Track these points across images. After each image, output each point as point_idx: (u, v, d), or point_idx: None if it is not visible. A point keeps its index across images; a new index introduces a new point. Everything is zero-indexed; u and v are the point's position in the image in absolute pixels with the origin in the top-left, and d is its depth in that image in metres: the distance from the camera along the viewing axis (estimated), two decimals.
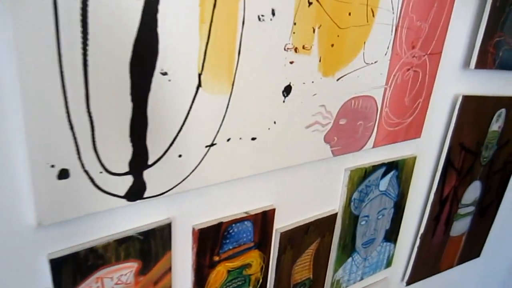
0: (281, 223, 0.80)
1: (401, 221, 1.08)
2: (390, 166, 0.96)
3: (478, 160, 1.17)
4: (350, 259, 0.98)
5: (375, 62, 0.77)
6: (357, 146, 0.85)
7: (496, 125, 1.16)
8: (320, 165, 0.82)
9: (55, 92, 0.42)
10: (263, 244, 0.77)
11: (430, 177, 1.11)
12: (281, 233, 0.79)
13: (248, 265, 0.76)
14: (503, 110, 1.15)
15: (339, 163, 0.86)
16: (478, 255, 1.43)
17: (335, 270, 0.96)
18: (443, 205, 1.15)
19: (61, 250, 0.51)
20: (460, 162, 1.12)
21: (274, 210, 0.76)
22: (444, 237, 1.22)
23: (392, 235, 1.07)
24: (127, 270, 0.58)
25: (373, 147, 0.88)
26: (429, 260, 1.23)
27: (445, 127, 1.06)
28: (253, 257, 0.76)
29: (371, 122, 0.85)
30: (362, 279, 1.06)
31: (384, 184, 0.97)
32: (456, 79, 1.03)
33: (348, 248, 0.96)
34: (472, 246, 1.38)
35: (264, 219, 0.75)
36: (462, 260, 1.37)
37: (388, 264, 1.12)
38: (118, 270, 0.57)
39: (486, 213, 1.32)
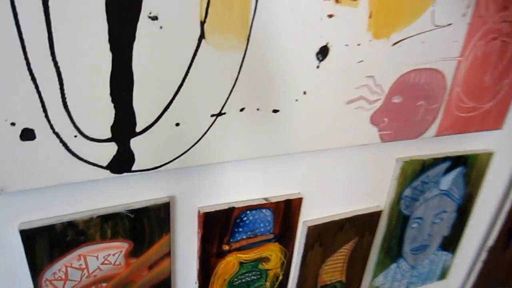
0: (310, 216, 0.68)
1: (464, 229, 0.89)
2: (457, 161, 0.78)
3: None
4: (394, 265, 0.84)
5: (448, 24, 0.60)
6: (415, 133, 0.69)
7: None
8: (364, 152, 0.67)
9: (8, 32, 0.34)
10: (285, 237, 0.66)
11: (508, 179, 0.90)
12: (309, 227, 0.67)
13: (266, 259, 0.66)
14: None
15: (389, 151, 0.71)
16: None
17: (375, 276, 0.82)
18: None
19: (34, 221, 0.44)
20: None
21: (300, 199, 0.64)
22: None
23: (450, 243, 0.89)
24: (115, 250, 0.51)
25: (436, 135, 0.71)
26: (496, 278, 1.03)
27: None
28: (272, 251, 0.66)
29: (435, 104, 0.68)
30: None
31: (446, 182, 0.79)
32: None
33: (393, 252, 0.81)
34: None
35: (288, 209, 0.63)
36: None
37: (442, 276, 0.94)
38: (105, 249, 0.50)
39: None
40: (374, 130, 0.63)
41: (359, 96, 0.59)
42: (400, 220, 0.78)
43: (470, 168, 0.80)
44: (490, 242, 0.94)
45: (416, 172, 0.74)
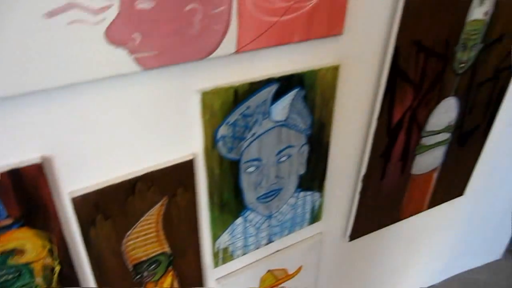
0: (77, 183, 0.51)
1: (327, 161, 0.76)
2: (287, 82, 0.62)
3: (450, 66, 0.79)
4: (240, 220, 0.70)
5: None
6: (199, 51, 0.51)
7: (479, 11, 0.76)
8: (130, 86, 0.49)
9: None
10: (37, 218, 0.48)
11: (369, 95, 0.75)
12: (75, 199, 0.50)
13: (17, 251, 0.49)
14: None
15: (178, 80, 0.53)
16: (461, 194, 1.11)
17: (215, 237, 0.68)
18: (394, 135, 0.81)
19: None
20: (417, 71, 0.75)
21: (39, 166, 0.46)
22: (402, 177, 0.90)
23: (312, 181, 0.76)
24: None
25: (238, 51, 0.54)
26: (381, 208, 0.93)
27: (388, 15, 0.68)
28: (23, 239, 0.48)
29: (220, 7, 0.49)
30: (271, 241, 0.78)
31: (279, 111, 0.63)
32: None
33: (231, 205, 0.67)
34: (450, 184, 1.05)
35: (19, 182, 0.45)
36: (436, 202, 1.06)
37: (315, 218, 0.82)
38: None
39: (467, 141, 0.97)
40: (122, 53, 0.45)
41: (66, 4, 0.39)
42: (227, 167, 0.62)
43: (309, 88, 0.65)
44: (363, 171, 0.82)
45: (228, 104, 0.57)
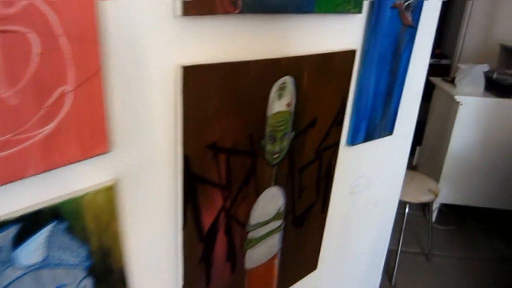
0: None
1: (124, 285, 0.65)
2: (34, 220, 0.51)
3: (262, 159, 0.76)
4: None
5: None
6: None
7: (280, 104, 0.74)
8: None
9: None
10: None
11: (168, 207, 0.67)
12: None
13: None
14: (287, 79, 0.74)
15: None
16: (314, 268, 1.09)
17: None
18: (211, 239, 0.74)
19: None
20: (221, 172, 0.70)
21: None
22: (235, 275, 0.83)
23: None
24: None
25: None
26: None
27: (171, 126, 0.62)
28: None
29: None
30: None
31: (30, 253, 0.51)
32: (165, 36, 0.58)
33: None
34: (299, 264, 1.02)
35: None
36: (288, 284, 1.01)
37: None
38: None
39: (305, 221, 0.95)
40: None
41: None
42: None
43: (73, 218, 0.54)
44: (181, 282, 0.73)
45: None
